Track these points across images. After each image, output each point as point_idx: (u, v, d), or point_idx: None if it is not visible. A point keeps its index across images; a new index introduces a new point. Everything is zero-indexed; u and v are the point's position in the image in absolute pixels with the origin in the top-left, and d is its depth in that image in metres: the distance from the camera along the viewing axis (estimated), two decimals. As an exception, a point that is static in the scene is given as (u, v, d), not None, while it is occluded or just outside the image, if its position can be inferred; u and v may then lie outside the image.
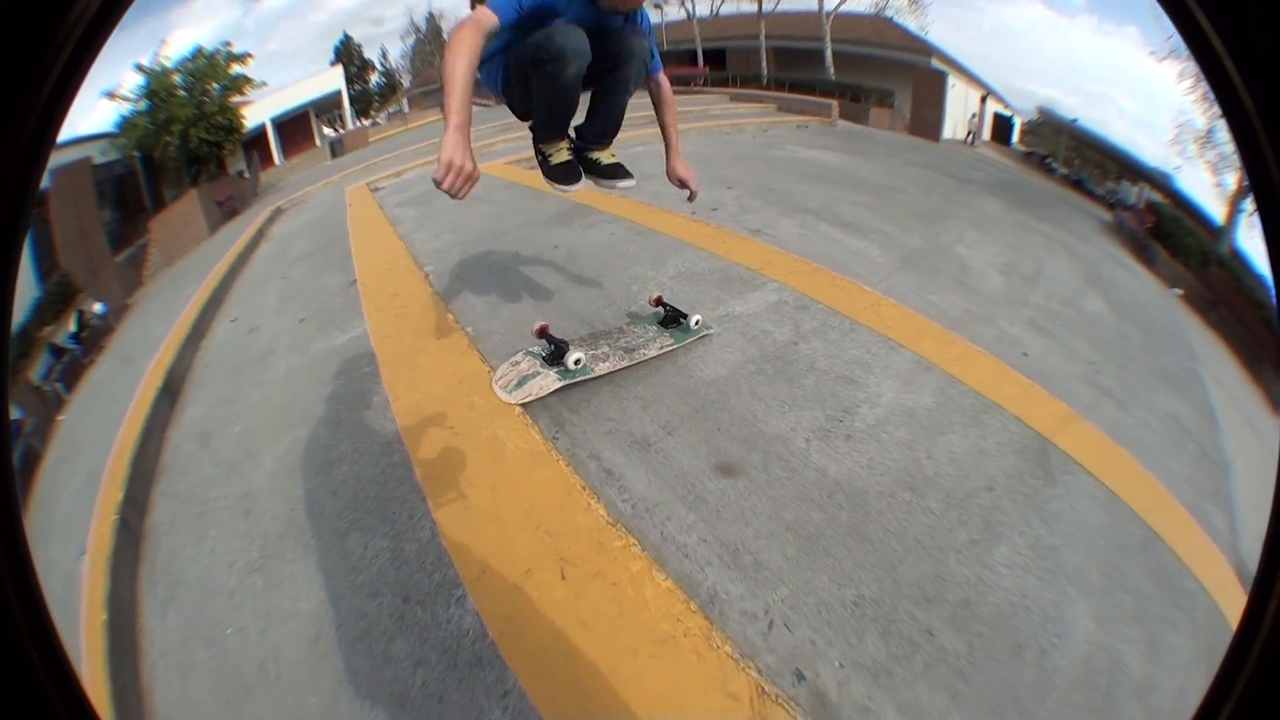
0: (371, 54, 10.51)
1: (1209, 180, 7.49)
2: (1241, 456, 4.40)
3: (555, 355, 2.73)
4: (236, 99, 7.68)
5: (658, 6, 9.88)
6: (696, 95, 9.35)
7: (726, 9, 9.34)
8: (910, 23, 7.75)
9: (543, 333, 2.78)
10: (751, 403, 2.65)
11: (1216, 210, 7.56)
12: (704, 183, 3.06)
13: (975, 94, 8.31)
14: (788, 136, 7.85)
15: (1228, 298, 6.62)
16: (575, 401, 2.68)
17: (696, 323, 3.04)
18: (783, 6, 8.49)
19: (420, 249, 4.62)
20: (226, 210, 7.34)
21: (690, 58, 9.75)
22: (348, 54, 10.07)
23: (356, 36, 10.25)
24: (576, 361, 2.70)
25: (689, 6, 9.55)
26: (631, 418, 2.59)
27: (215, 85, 7.50)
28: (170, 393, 3.40)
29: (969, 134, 8.18)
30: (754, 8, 8.72)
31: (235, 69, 7.62)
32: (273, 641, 1.91)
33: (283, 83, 8.57)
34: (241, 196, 7.67)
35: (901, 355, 3.01)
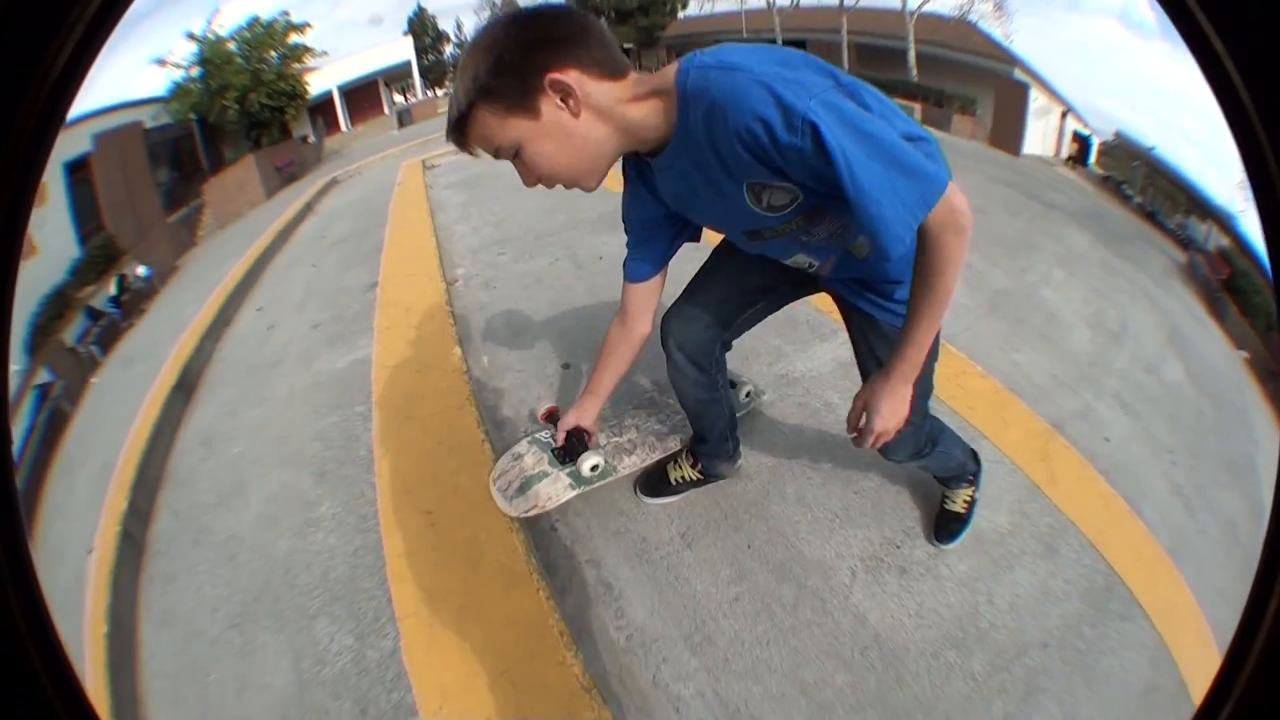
0: (447, 26, 10.44)
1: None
2: None
3: (567, 453, 2.14)
4: (297, 66, 7.64)
5: (739, -4, 9.53)
6: None
7: (807, 1, 8.91)
8: (994, 30, 7.31)
9: (551, 417, 2.17)
10: (796, 512, 2.19)
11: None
12: None
13: (1056, 109, 7.92)
14: None
15: None
16: None
17: (748, 395, 2.48)
18: (865, 2, 8.08)
19: (456, 245, 4.39)
20: (285, 176, 7.37)
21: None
22: (420, 25, 10.02)
23: (432, 8, 10.18)
24: (594, 468, 2.16)
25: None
26: (648, 517, 2.20)
27: (273, 54, 7.46)
28: (186, 389, 3.34)
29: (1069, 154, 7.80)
30: (835, 1, 8.29)
31: (294, 38, 7.58)
32: (246, 709, 1.83)
33: (351, 50, 8.55)
34: (303, 162, 7.69)
35: (981, 447, 2.48)
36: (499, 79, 1.15)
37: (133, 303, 4.83)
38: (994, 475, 2.42)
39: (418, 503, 2.31)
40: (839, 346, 2.98)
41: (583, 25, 1.18)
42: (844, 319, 1.71)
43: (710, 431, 2.10)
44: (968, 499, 2.13)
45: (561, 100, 1.16)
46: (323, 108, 8.12)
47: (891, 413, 1.41)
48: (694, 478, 2.21)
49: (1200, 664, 2.08)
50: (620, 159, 1.36)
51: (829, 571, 2.02)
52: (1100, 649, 1.97)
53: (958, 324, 3.34)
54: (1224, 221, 7.28)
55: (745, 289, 1.80)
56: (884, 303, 1.54)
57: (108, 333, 4.46)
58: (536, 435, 2.31)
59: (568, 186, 1.31)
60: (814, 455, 2.41)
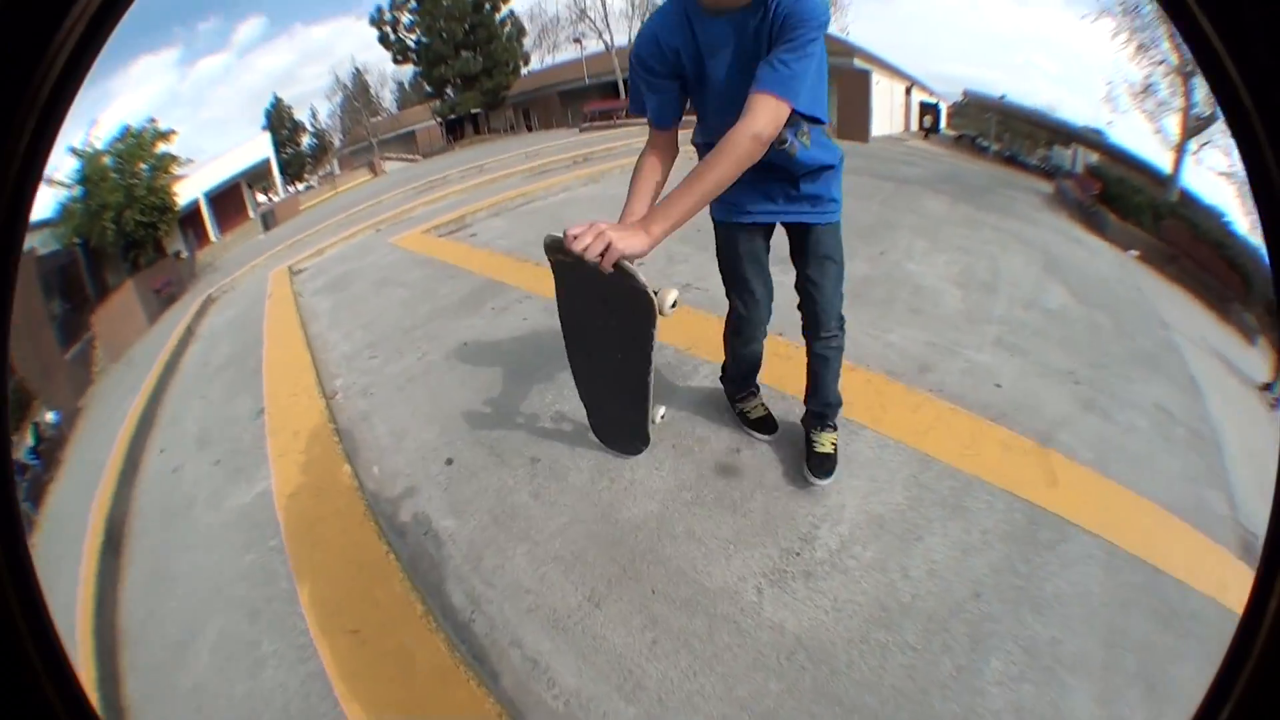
0: (302, 115, 10.39)
1: (1149, 128, 7.42)
2: (1229, 412, 4.25)
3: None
4: (166, 177, 7.59)
5: (577, 41, 9.67)
6: (621, 128, 9.08)
7: None
8: (831, 25, 7.60)
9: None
10: (690, 548, 2.26)
11: (1161, 159, 7.56)
12: None
13: (900, 86, 8.19)
14: None
15: (1186, 247, 6.49)
16: (489, 570, 2.34)
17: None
18: None
19: (331, 354, 4.35)
20: (164, 298, 7.21)
21: (611, 90, 9.50)
22: (278, 117, 9.96)
23: (286, 98, 10.16)
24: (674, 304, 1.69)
25: (606, 38, 9.34)
26: (552, 588, 2.24)
27: (144, 166, 7.42)
28: (114, 544, 3.21)
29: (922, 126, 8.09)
30: None
31: (161, 147, 7.55)
32: None
33: (215, 152, 8.61)
34: (180, 281, 7.54)
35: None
36: None
37: (49, 451, 4.66)
38: (881, 460, 2.53)
39: (343, 623, 2.30)
40: (704, 380, 3.11)
41: None
42: (791, 241, 2.26)
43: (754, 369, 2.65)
44: (834, 440, 2.49)
45: None
46: (191, 219, 8.03)
47: (621, 237, 1.51)
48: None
49: (1167, 543, 2.30)
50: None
51: (735, 595, 2.09)
52: (1041, 576, 2.08)
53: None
54: (1090, 140, 7.68)
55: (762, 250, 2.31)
56: (816, 210, 2.17)
57: (35, 487, 4.25)
58: None
59: None
60: (695, 490, 2.50)
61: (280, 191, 9.50)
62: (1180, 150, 7.32)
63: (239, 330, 5.75)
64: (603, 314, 1.81)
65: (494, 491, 2.66)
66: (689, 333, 3.46)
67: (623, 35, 9.18)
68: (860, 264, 4.20)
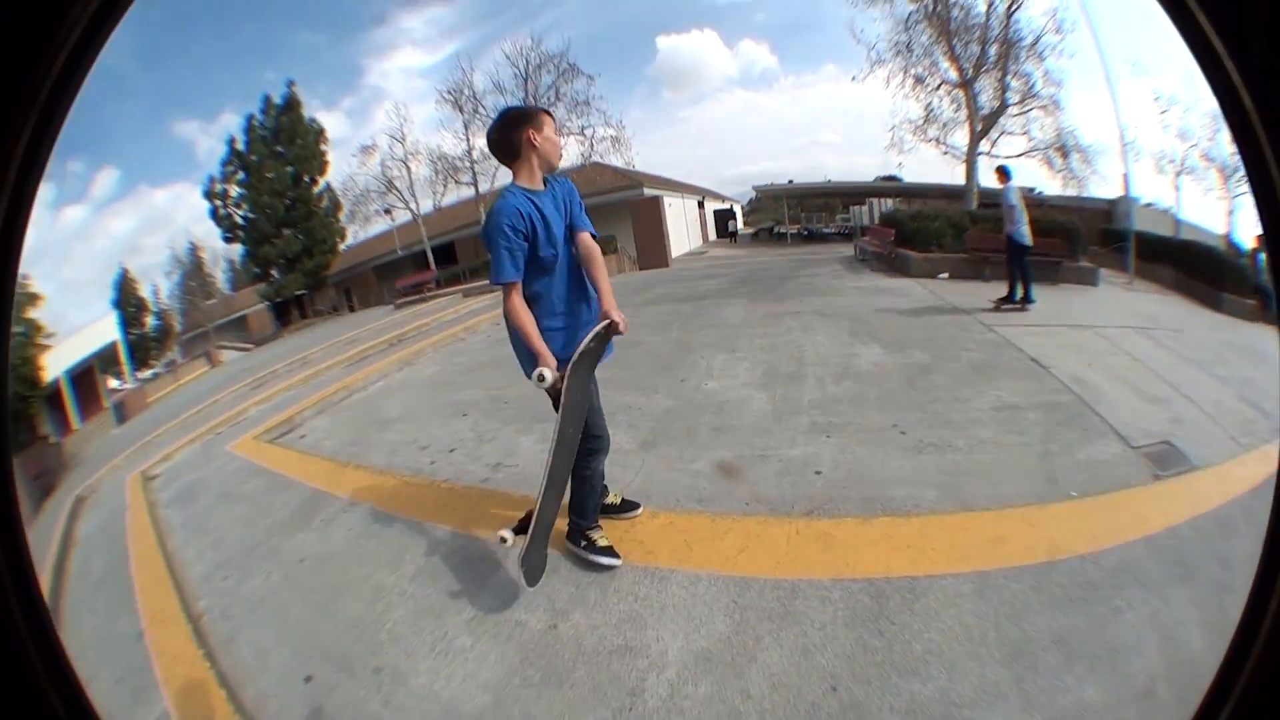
0: (145, 291, 10.06)
1: (937, 153, 8.12)
2: (1093, 359, 4.65)
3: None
4: (33, 349, 7.31)
5: (387, 212, 9.86)
6: (432, 301, 9.20)
7: (450, 199, 9.37)
8: (617, 160, 7.94)
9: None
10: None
11: (956, 175, 8.13)
12: (437, 415, 3.41)
13: (692, 202, 8.61)
14: None
15: (992, 246, 7.02)
16: None
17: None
18: (501, 183, 8.51)
19: (190, 574, 4.14)
20: (42, 485, 6.86)
21: (421, 261, 9.67)
22: (125, 292, 9.61)
23: (132, 269, 9.86)
24: (540, 378, 2.58)
25: (413, 207, 9.55)
26: None
27: (17, 330, 6.86)
28: None
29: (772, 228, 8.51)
30: (473, 192, 8.76)
31: (30, 312, 7.25)
32: None
33: (75, 324, 8.22)
34: (53, 470, 7.17)
35: (673, 582, 2.69)
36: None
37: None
38: (695, 597, 2.60)
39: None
40: (513, 567, 3.07)
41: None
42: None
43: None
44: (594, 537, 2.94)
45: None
46: (54, 399, 7.72)
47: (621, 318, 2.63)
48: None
49: (1049, 529, 2.56)
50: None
51: None
52: (905, 640, 2.17)
53: (625, 477, 3.54)
54: (885, 190, 8.31)
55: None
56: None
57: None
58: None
59: None
60: (522, 675, 2.48)
61: (129, 378, 9.09)
62: (971, 157, 8.07)
63: (108, 542, 5.39)
64: (581, 382, 2.71)
65: (350, 703, 2.58)
66: (505, 506, 3.57)
67: (428, 202, 9.42)
68: (660, 399, 4.32)
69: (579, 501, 2.93)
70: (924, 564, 2.49)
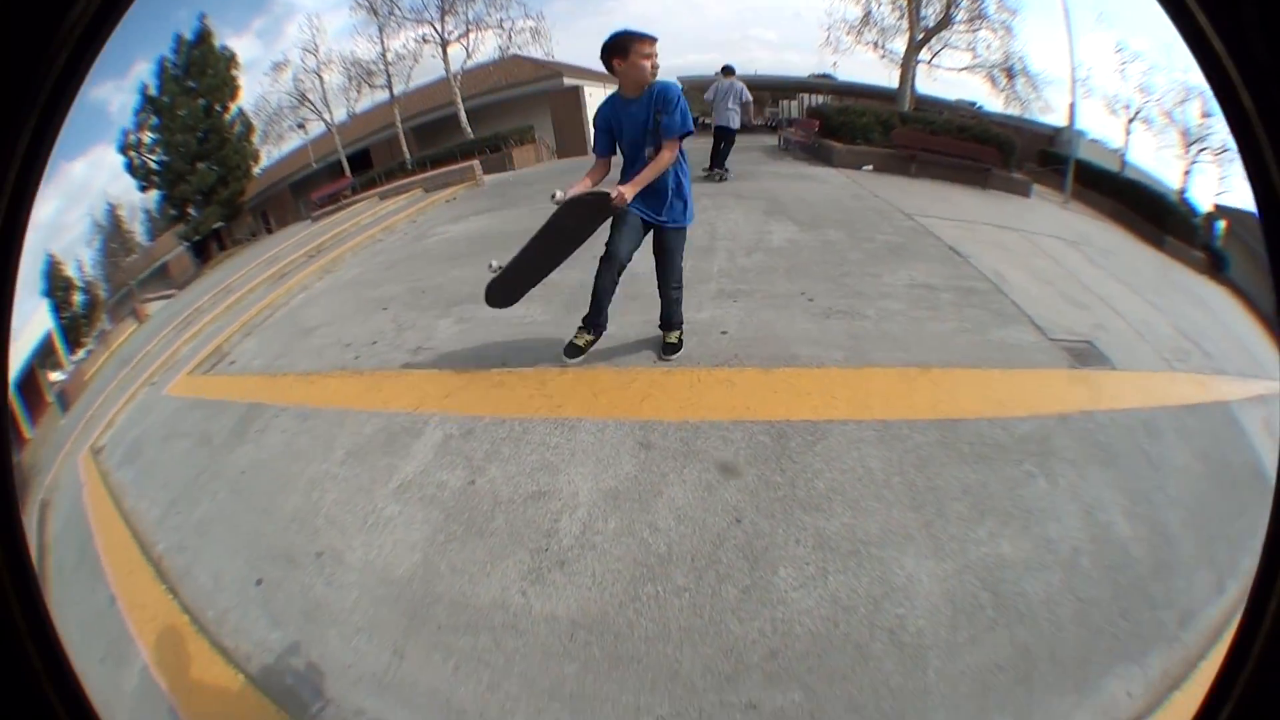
0: (71, 270, 9.74)
1: (874, 56, 8.09)
2: (1012, 257, 4.77)
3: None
4: None
5: (300, 127, 9.51)
6: (349, 207, 9.01)
7: (364, 105, 9.08)
8: (537, 52, 7.76)
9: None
10: (456, 581, 2.42)
11: (893, 79, 8.12)
12: (361, 311, 3.74)
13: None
14: (437, 217, 7.60)
15: (922, 144, 7.15)
16: (317, 660, 2.44)
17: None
18: (416, 83, 8.25)
19: (145, 523, 4.19)
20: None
21: (338, 171, 9.42)
22: (54, 278, 9.28)
23: (57, 251, 9.50)
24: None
25: (327, 117, 9.23)
26: (365, 656, 2.34)
27: None
28: None
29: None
30: (387, 95, 8.51)
31: None
32: None
33: (13, 333, 7.82)
34: (19, 489, 6.80)
35: (582, 430, 2.86)
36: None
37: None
38: (603, 441, 2.77)
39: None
40: (433, 434, 3.26)
41: None
42: (661, 242, 3.43)
43: (605, 308, 3.47)
44: (680, 335, 3.47)
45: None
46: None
47: (625, 190, 3.23)
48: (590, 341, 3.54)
49: (956, 393, 2.65)
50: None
51: (504, 604, 2.27)
52: (808, 478, 2.30)
53: (537, 349, 3.70)
54: (817, 86, 8.27)
55: (636, 240, 3.41)
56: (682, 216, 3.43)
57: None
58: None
59: None
60: (446, 530, 2.65)
61: (67, 364, 8.87)
62: (908, 63, 8.05)
63: (74, 529, 5.35)
64: (571, 226, 3.38)
65: (299, 592, 2.74)
66: (417, 387, 3.69)
67: (342, 111, 9.12)
68: (574, 273, 4.31)
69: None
70: (826, 410, 2.65)
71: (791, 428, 2.60)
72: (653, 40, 3.31)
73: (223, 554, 3.40)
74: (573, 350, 3.51)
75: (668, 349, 3.45)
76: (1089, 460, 2.64)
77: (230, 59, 11.11)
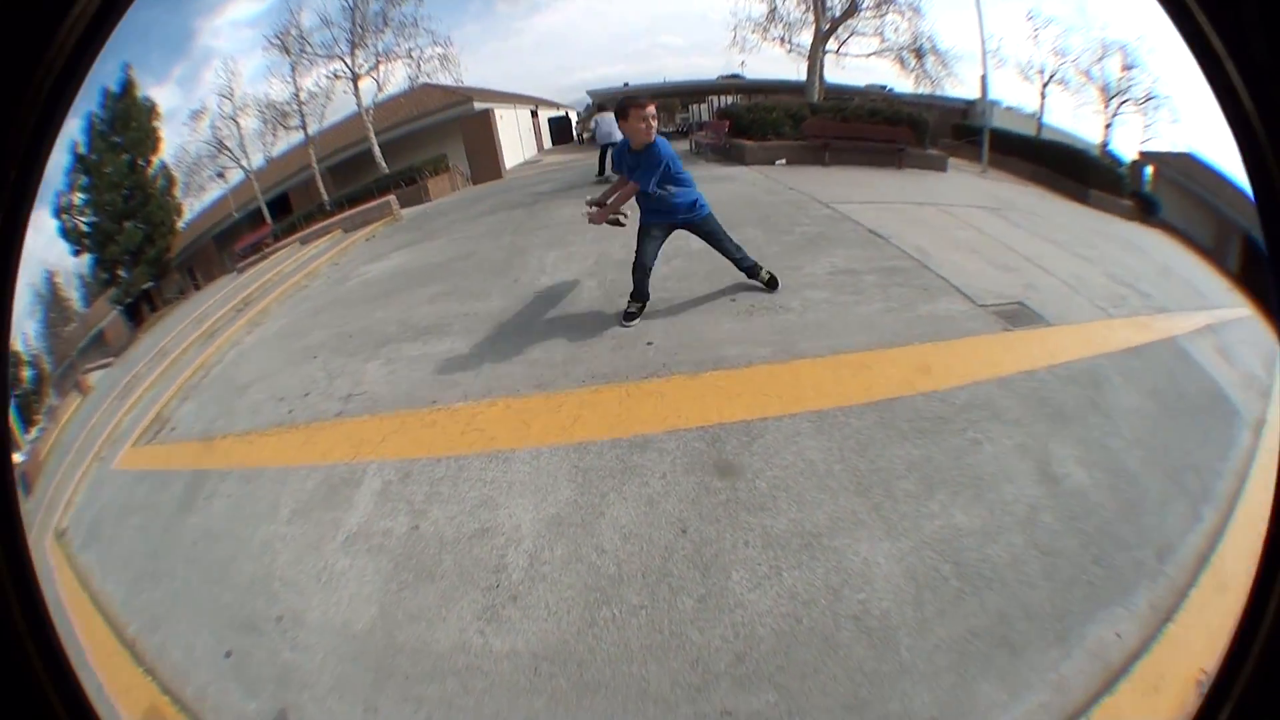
0: (18, 344, 9.42)
1: (782, 51, 8.17)
2: (919, 236, 4.80)
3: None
4: None
5: (220, 175, 9.35)
6: (272, 257, 8.87)
7: (280, 149, 8.93)
8: (446, 79, 7.71)
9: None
10: (415, 629, 2.45)
11: (801, 71, 8.20)
12: (291, 362, 3.57)
13: (525, 112, 8.44)
14: (357, 257, 7.54)
15: (833, 133, 7.30)
16: None
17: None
18: (330, 120, 8.14)
19: (114, 605, 4.09)
20: None
21: (258, 218, 9.28)
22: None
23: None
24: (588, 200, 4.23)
25: (245, 164, 9.08)
26: (335, 716, 2.38)
27: None
28: None
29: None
30: (302, 135, 8.39)
31: None
32: None
33: None
34: None
35: (516, 460, 2.89)
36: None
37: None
38: (539, 470, 2.80)
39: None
40: (372, 482, 3.26)
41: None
42: (693, 232, 4.07)
43: (645, 288, 3.97)
44: (767, 273, 4.05)
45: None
46: None
47: (596, 214, 4.12)
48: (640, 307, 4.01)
49: (888, 372, 2.72)
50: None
51: (465, 646, 2.29)
52: (749, 478, 2.33)
53: (465, 383, 3.68)
54: (727, 87, 8.36)
55: (656, 246, 4.00)
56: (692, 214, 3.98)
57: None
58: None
59: None
60: (398, 579, 2.66)
61: (24, 444, 8.61)
62: (815, 54, 8.13)
63: (59, 619, 5.30)
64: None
65: (266, 659, 2.75)
66: (353, 434, 3.67)
67: (259, 156, 8.98)
68: (494, 301, 4.46)
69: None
70: (758, 409, 2.70)
71: (726, 430, 2.66)
72: (647, 103, 3.86)
73: (190, 629, 3.36)
74: (628, 316, 3.96)
75: (770, 285, 4.04)
76: (1034, 418, 2.73)
77: (151, 109, 10.82)
